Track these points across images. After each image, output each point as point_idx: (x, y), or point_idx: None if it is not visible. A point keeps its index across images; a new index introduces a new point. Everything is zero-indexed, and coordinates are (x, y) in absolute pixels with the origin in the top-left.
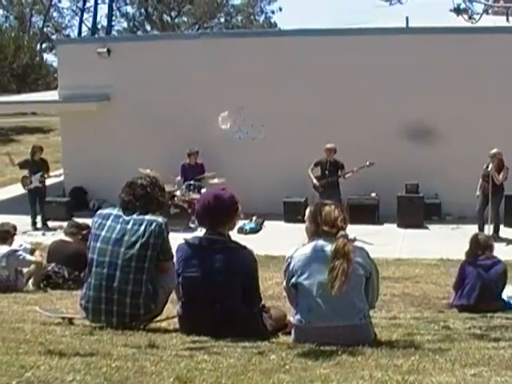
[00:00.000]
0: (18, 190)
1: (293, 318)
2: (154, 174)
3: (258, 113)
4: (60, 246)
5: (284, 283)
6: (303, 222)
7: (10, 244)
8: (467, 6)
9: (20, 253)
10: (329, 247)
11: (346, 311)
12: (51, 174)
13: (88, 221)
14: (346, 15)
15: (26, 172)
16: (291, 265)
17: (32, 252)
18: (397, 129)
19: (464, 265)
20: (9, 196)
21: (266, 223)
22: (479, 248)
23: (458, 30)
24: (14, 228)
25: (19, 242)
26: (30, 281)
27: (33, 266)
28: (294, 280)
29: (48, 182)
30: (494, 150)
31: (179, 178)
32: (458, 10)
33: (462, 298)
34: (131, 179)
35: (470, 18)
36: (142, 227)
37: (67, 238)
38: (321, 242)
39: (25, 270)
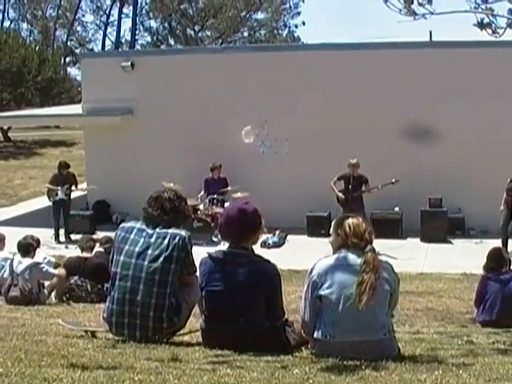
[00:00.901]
0: (41, 203)
1: (316, 332)
2: (176, 187)
3: (282, 127)
4: (79, 263)
5: (303, 294)
6: (327, 236)
7: (33, 257)
8: (490, 20)
9: (43, 265)
10: (357, 260)
11: (371, 326)
12: (79, 187)
13: (111, 234)
14: (370, 30)
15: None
16: (314, 275)
17: (56, 266)
18: (420, 143)
19: (483, 281)
20: (32, 209)
21: (289, 237)
22: (496, 262)
23: (481, 44)
24: (38, 241)
25: (43, 254)
26: (53, 294)
27: (55, 279)
28: (318, 292)
29: (73, 194)
30: None
31: (202, 192)
32: (481, 25)
33: (484, 313)
34: (156, 193)
35: (493, 32)
36: (166, 241)
37: (85, 254)
38: (346, 254)
39: (46, 282)
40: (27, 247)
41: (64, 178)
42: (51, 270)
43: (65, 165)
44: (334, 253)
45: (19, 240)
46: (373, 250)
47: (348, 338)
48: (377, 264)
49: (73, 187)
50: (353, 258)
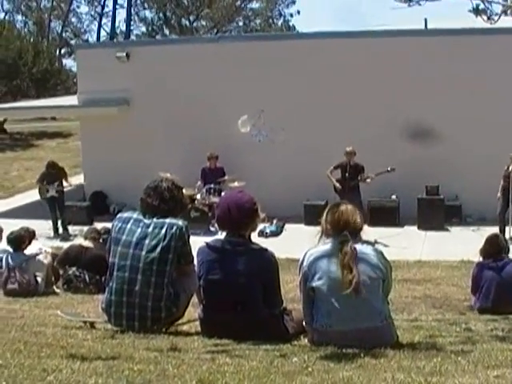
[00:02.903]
0: (38, 195)
1: (313, 322)
2: (174, 177)
3: (278, 116)
4: (79, 251)
5: (298, 285)
6: None
7: (25, 248)
8: (486, 6)
9: (37, 258)
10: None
11: (366, 314)
12: (65, 184)
13: (109, 225)
14: (364, 17)
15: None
16: (304, 267)
17: (54, 257)
18: (417, 131)
19: (478, 267)
20: (29, 201)
21: (287, 226)
22: (493, 248)
23: (477, 32)
24: (33, 232)
25: (38, 245)
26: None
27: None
28: (310, 283)
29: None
30: None
31: (199, 182)
32: (476, 11)
33: (481, 300)
34: (153, 183)
35: (488, 18)
36: (163, 230)
37: (87, 243)
38: (334, 242)
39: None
40: (17, 241)
41: (53, 175)
42: (43, 259)
43: (53, 164)
44: (320, 239)
45: (8, 235)
46: (347, 240)
47: (345, 327)
48: (350, 254)
49: (64, 183)
50: (339, 247)
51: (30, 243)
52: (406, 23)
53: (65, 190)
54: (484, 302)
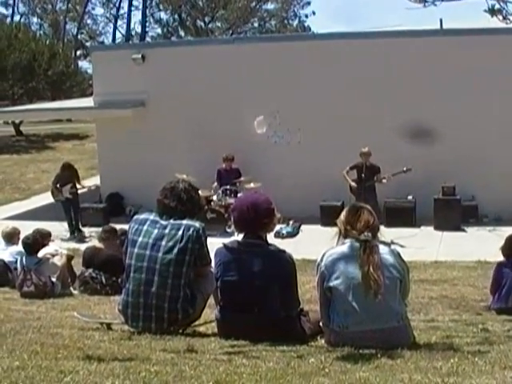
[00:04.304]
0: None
1: (330, 323)
2: (190, 178)
3: (294, 117)
4: (94, 253)
5: (316, 285)
6: None
7: (38, 251)
8: (501, 6)
9: (51, 260)
10: (356, 251)
11: (383, 314)
12: (78, 186)
13: (125, 226)
14: (379, 18)
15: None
16: (321, 267)
17: (70, 258)
18: (432, 132)
19: (499, 267)
20: (45, 203)
21: (303, 227)
22: None
23: (493, 32)
24: (48, 234)
25: (54, 246)
26: (73, 286)
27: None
28: (327, 283)
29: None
30: None
31: (215, 183)
32: (492, 11)
33: (500, 300)
34: (170, 184)
35: (504, 18)
36: (180, 232)
37: (100, 245)
38: (352, 243)
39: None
40: (32, 245)
41: (66, 177)
42: (57, 262)
43: (68, 166)
44: (339, 240)
45: (23, 239)
46: (367, 240)
47: (362, 328)
48: (373, 256)
49: (77, 184)
50: (358, 247)
51: (44, 245)
52: (421, 24)
53: (79, 191)
54: (504, 302)
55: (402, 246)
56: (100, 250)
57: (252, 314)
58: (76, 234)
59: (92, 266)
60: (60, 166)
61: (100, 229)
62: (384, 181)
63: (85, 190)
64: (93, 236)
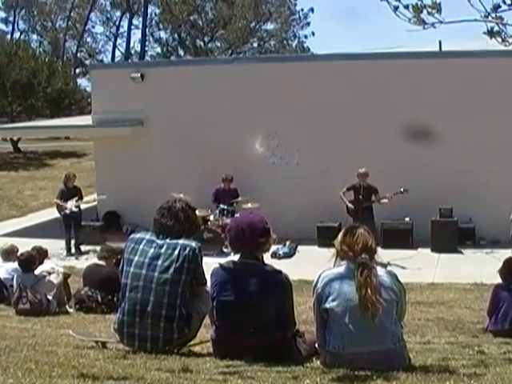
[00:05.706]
0: (51, 214)
1: (325, 344)
2: (186, 198)
3: (291, 138)
4: (93, 270)
5: (312, 306)
6: None
7: (35, 269)
8: (500, 28)
9: (48, 278)
10: (353, 272)
11: (380, 336)
12: (85, 200)
13: (122, 245)
14: (380, 39)
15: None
16: (318, 288)
17: (66, 277)
18: (431, 152)
19: (497, 290)
20: (43, 220)
21: (300, 248)
22: (510, 273)
23: (492, 54)
24: (45, 252)
25: (50, 264)
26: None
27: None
28: (324, 305)
29: (82, 206)
30: None
31: (213, 203)
32: (491, 33)
33: (497, 322)
34: (167, 203)
35: (503, 40)
36: (176, 251)
37: (101, 262)
38: (349, 265)
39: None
40: (27, 262)
41: (72, 191)
42: (53, 279)
43: (73, 176)
44: (336, 261)
45: (18, 256)
46: (365, 263)
47: (358, 349)
48: (371, 278)
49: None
50: (355, 269)
51: (41, 263)
52: (421, 45)
53: (86, 206)
54: (500, 324)
55: (402, 268)
56: (100, 267)
57: (247, 335)
58: (73, 252)
59: (91, 282)
60: (64, 178)
61: (97, 247)
62: (385, 200)
63: (95, 203)
64: (89, 253)
